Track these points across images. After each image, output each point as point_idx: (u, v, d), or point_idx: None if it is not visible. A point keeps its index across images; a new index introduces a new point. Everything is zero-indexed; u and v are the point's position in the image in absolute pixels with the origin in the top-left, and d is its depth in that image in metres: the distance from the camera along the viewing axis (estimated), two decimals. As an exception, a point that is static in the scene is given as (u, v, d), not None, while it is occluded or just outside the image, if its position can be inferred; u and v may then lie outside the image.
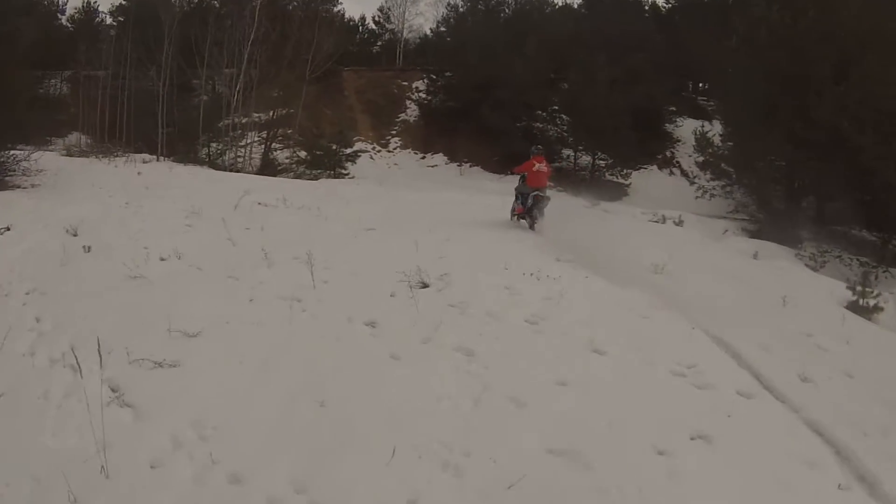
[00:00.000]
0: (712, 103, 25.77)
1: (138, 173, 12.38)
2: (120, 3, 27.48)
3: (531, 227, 8.76)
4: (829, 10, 14.27)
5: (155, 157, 17.41)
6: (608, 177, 21.52)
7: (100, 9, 28.71)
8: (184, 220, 7.66)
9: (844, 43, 13.99)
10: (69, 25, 28.07)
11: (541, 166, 9.03)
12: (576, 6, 30.07)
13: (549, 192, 8.94)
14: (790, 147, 14.60)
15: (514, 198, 9.46)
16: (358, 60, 31.52)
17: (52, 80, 23.50)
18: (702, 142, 17.67)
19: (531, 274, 5.52)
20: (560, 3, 30.18)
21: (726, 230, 14.67)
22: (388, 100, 29.49)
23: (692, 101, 25.48)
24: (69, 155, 16.13)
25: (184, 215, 7.91)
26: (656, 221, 13.53)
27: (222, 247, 6.30)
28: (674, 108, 23.98)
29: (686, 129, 23.94)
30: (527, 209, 8.84)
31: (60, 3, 29.21)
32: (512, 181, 19.22)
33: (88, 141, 20.76)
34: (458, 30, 28.32)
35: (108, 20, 28.63)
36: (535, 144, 10.68)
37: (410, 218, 9.24)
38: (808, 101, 13.97)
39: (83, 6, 27.73)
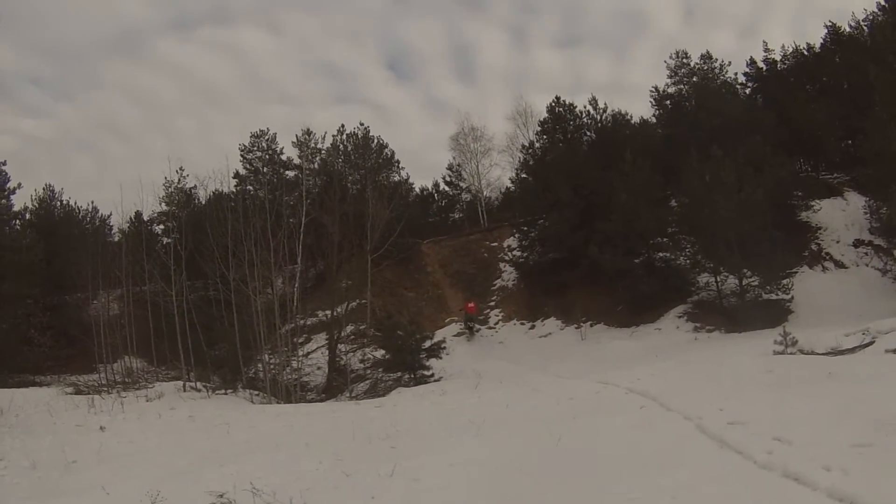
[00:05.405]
0: (837, 177, 23.22)
1: (101, 428, 9.30)
2: (166, 210, 25.01)
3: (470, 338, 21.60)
4: None
5: (186, 385, 14.18)
6: (765, 296, 17.31)
7: (145, 217, 24.86)
8: None
9: None
10: (120, 237, 24.12)
11: (471, 305, 22.40)
12: (655, 118, 27.38)
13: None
14: None
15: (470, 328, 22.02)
16: (439, 232, 28.80)
17: (101, 300, 20.78)
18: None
19: None
20: (640, 119, 27.38)
21: None
22: (478, 267, 25.94)
23: (814, 180, 22.89)
24: (76, 392, 13.42)
25: None
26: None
27: None
28: (800, 193, 21.34)
29: (825, 213, 21.20)
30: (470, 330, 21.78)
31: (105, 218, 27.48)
32: (649, 336, 18.03)
33: (139, 366, 18.38)
34: (540, 169, 24.34)
35: (157, 229, 26.47)
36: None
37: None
38: None
39: (132, 218, 23.87)
